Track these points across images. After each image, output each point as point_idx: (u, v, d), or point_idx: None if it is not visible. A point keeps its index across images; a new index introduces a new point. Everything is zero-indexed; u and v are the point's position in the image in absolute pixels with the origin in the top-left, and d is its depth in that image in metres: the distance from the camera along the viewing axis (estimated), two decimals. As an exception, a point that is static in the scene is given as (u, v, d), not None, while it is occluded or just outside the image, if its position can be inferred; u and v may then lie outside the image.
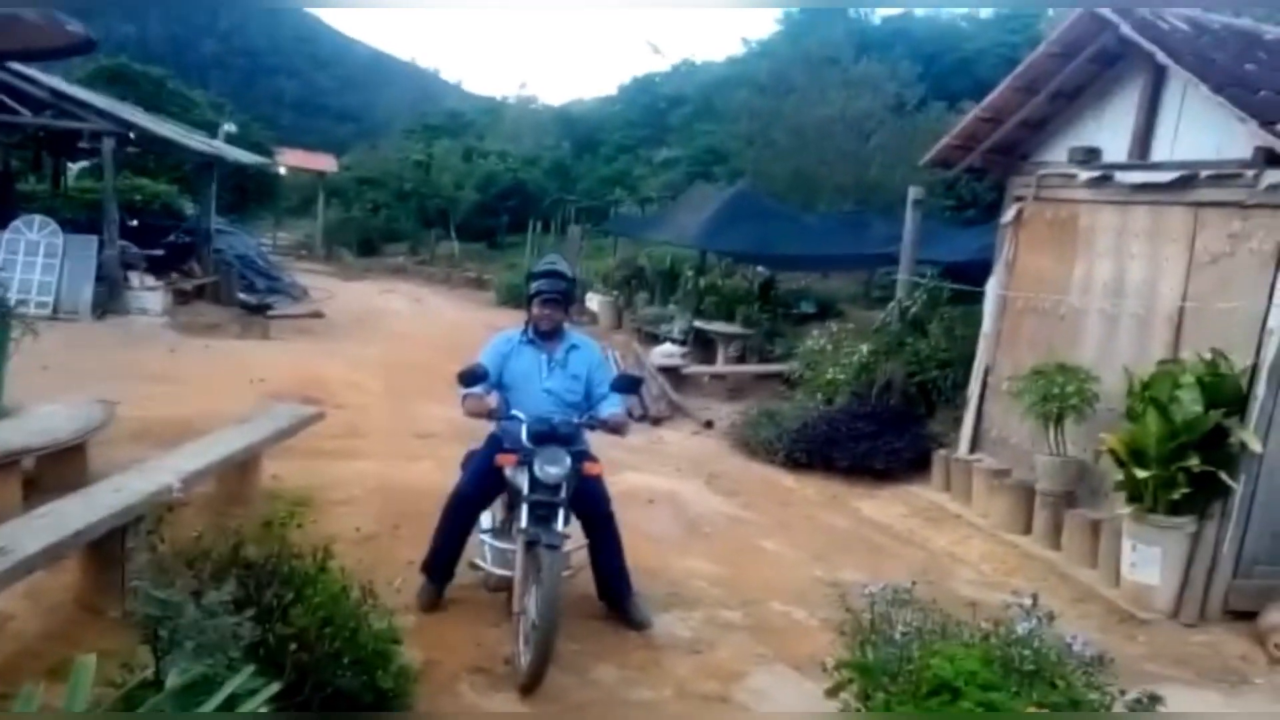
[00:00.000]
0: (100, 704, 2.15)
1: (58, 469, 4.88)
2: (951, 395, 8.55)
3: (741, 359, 13.09)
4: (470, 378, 4.27)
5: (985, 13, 28.32)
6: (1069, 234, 6.88)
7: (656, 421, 9.98)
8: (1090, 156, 6.70)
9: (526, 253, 21.40)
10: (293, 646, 2.74)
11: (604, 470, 4.53)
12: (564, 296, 4.56)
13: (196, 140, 15.03)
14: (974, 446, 7.76)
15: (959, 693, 2.10)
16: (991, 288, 7.72)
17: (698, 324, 13.71)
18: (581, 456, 4.23)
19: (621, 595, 4.60)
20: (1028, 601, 2.81)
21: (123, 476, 4.08)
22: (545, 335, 4.54)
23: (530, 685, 3.80)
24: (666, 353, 12.26)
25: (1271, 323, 5.18)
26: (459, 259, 24.27)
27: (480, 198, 25.21)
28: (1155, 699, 2.33)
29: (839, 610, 3.11)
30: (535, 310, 4.53)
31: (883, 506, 7.57)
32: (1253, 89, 5.43)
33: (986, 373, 7.71)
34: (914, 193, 9.49)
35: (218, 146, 16.30)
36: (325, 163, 28.44)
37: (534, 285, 4.55)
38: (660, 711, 3.86)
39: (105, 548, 3.56)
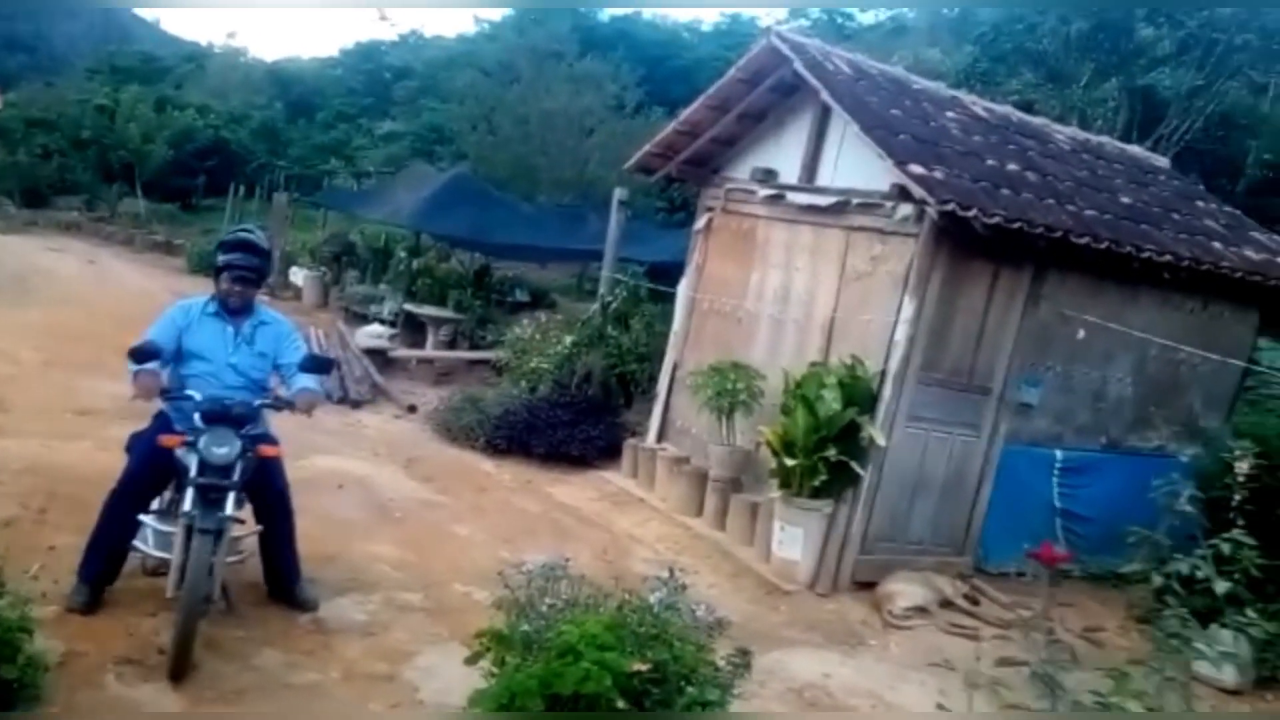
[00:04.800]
0: None
1: None
2: (648, 388, 9.11)
3: (452, 344, 13.08)
4: (141, 354, 3.99)
5: (707, 24, 30.13)
6: (749, 245, 7.58)
7: (357, 404, 9.75)
8: (768, 176, 7.42)
9: (226, 219, 19.88)
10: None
11: (291, 453, 4.44)
12: (257, 273, 4.37)
13: None
14: (661, 436, 8.34)
15: (580, 654, 2.34)
16: (682, 289, 8.33)
17: (408, 306, 13.53)
18: (258, 439, 4.11)
19: (290, 581, 4.54)
20: (665, 574, 3.14)
21: None
22: (234, 311, 4.34)
23: (177, 670, 3.70)
24: (374, 334, 11.97)
25: (897, 335, 6.04)
26: (146, 219, 22.05)
27: (174, 154, 22.96)
28: (746, 653, 2.72)
29: (501, 589, 3.29)
30: (224, 285, 4.32)
31: (574, 491, 7.93)
32: (895, 131, 6.28)
33: (675, 368, 8.30)
34: (619, 193, 9.99)
35: None
36: (-15, 96, 24.72)
37: (224, 257, 4.33)
38: (323, 693, 3.87)
39: None
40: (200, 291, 4.74)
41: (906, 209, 5.98)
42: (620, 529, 7.13)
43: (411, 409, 9.84)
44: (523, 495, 7.65)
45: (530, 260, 15.96)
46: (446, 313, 13.37)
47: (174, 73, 32.29)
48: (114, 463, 4.48)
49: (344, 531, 5.82)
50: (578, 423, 8.70)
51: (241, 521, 4.23)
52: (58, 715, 3.23)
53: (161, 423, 4.25)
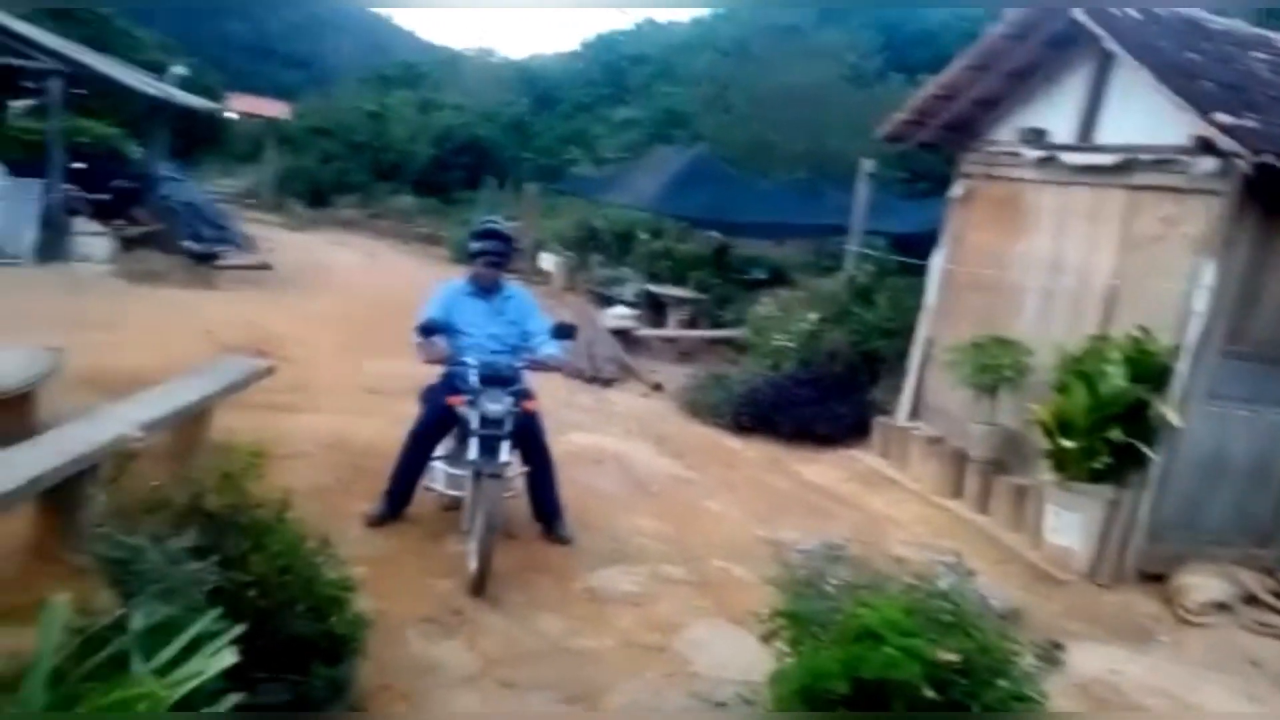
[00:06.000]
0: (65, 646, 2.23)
1: (4, 418, 4.84)
2: (895, 365, 8.79)
3: (692, 323, 13.24)
4: (427, 329, 4.88)
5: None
6: (1013, 212, 7.10)
7: (607, 383, 10.10)
8: (1037, 137, 6.90)
9: (481, 210, 21.21)
10: (252, 593, 2.83)
11: (552, 429, 5.17)
12: (502, 256, 5.20)
13: (144, 82, 14.61)
14: (913, 414, 8.03)
15: (882, 639, 2.28)
16: (936, 261, 7.95)
17: (650, 287, 13.82)
18: (521, 395, 4.76)
19: (552, 517, 5.19)
20: (951, 559, 3.01)
21: (74, 425, 4.09)
22: (486, 289, 5.17)
23: (478, 588, 4.38)
24: (618, 314, 12.35)
25: (1196, 304, 5.44)
26: (412, 213, 23.97)
27: (435, 152, 24.81)
28: (1058, 646, 2.54)
29: (778, 567, 3.29)
30: (477, 268, 5.15)
31: (823, 470, 7.81)
32: (1194, 77, 5.64)
33: (928, 344, 7.96)
34: (867, 165, 9.65)
35: (166, 89, 15.86)
36: (277, 109, 27.85)
37: (476, 245, 5.15)
38: (600, 660, 4.03)
39: (60, 496, 3.59)
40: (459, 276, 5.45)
41: (1209, 163, 5.35)
42: (874, 509, 6.94)
43: (657, 387, 10.06)
44: (771, 473, 7.63)
45: (767, 237, 15.81)
46: (687, 292, 13.55)
47: (431, 76, 34.70)
48: (401, 435, 5.13)
49: (606, 504, 6.05)
50: (824, 400, 8.55)
51: (509, 464, 4.80)
52: (369, 669, 3.56)
53: (446, 383, 5.01)
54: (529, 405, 4.80)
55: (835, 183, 14.57)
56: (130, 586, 2.30)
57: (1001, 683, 2.33)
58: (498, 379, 4.72)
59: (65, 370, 6.28)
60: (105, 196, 13.09)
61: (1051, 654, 2.52)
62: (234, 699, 1.95)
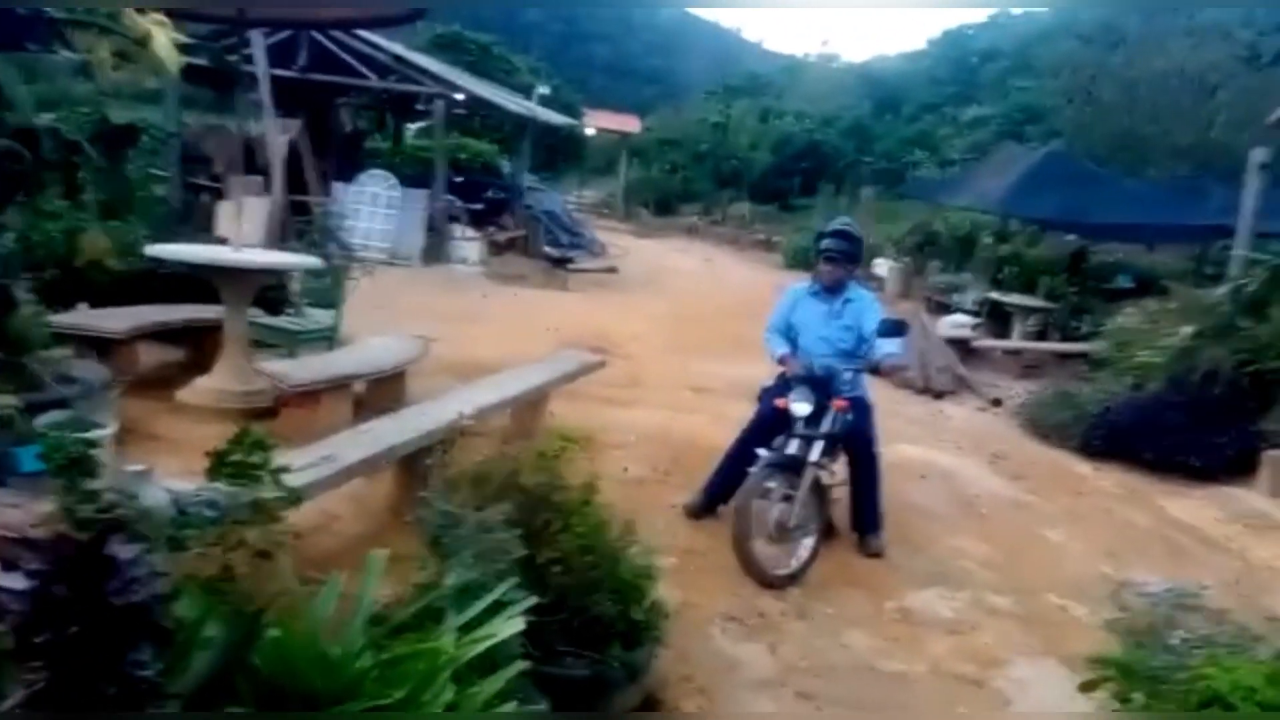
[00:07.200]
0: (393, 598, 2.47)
1: (381, 393, 5.57)
2: (1292, 389, 7.45)
3: (1041, 335, 12.19)
4: (776, 339, 5.21)
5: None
6: None
7: (939, 395, 9.56)
8: None
9: (816, 215, 21.12)
10: (556, 569, 2.98)
11: (870, 413, 5.05)
12: (845, 256, 5.11)
13: (513, 102, 16.24)
14: (1316, 449, 6.73)
15: (1231, 707, 1.87)
16: (1355, 266, 6.60)
17: (993, 295, 12.91)
18: (832, 394, 4.75)
19: (867, 526, 5.03)
20: (1350, 625, 2.44)
21: (430, 403, 4.59)
22: (828, 289, 5.13)
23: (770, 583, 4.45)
24: (956, 323, 11.64)
25: None
26: (749, 220, 24.43)
27: (774, 159, 25.15)
28: None
29: (1115, 610, 2.87)
30: (820, 266, 5.16)
31: (1193, 507, 6.78)
32: None
33: (1340, 365, 6.63)
34: (1258, 155, 8.27)
35: (531, 108, 17.51)
36: (629, 124, 29.61)
37: (822, 243, 5.16)
38: (909, 684, 3.78)
39: (412, 464, 4.04)
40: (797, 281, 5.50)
41: None
42: (1257, 558, 5.90)
43: (996, 402, 9.36)
44: (1126, 505, 6.75)
45: (1135, 241, 14.18)
46: (1035, 301, 12.49)
47: (774, 85, 35.27)
48: (726, 435, 5.21)
49: (928, 522, 5.69)
50: (1197, 427, 7.42)
51: (823, 466, 4.76)
52: (671, 659, 3.61)
53: (780, 384, 5.07)
54: (839, 403, 4.72)
55: (1222, 179, 12.74)
56: (445, 549, 2.51)
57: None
58: (811, 379, 4.76)
59: (433, 357, 7.13)
60: (479, 206, 14.72)
61: None
62: (522, 665, 2.03)
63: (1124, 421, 7.65)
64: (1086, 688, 2.40)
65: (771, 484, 4.63)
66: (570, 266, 14.99)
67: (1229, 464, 7.27)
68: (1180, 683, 2.17)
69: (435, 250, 13.48)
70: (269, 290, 6.42)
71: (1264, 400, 7.75)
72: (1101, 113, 17.23)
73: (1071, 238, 13.88)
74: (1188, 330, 8.33)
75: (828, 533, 4.94)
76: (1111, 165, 14.91)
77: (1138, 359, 8.57)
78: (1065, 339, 11.74)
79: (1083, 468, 7.53)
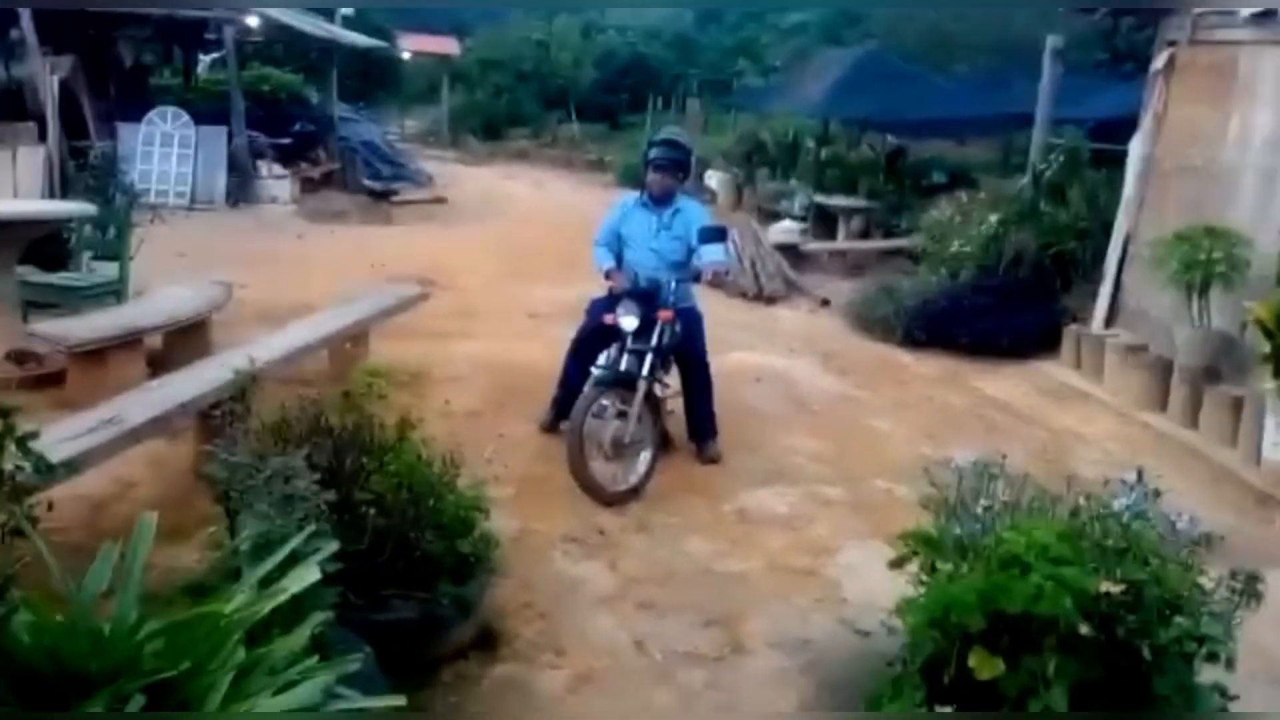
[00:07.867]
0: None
1: (181, 347, 5.15)
2: (1090, 268, 7.97)
3: (865, 234, 12.59)
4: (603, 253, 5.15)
5: None
6: (1225, 81, 6.16)
7: (771, 300, 9.77)
8: (1257, -11, 5.91)
9: (645, 132, 20.97)
10: (372, 511, 2.83)
11: (710, 349, 5.10)
12: (673, 164, 5.06)
13: (312, 24, 15.13)
14: (1109, 321, 7.28)
15: (1028, 567, 1.96)
16: (1135, 146, 7.08)
17: (818, 199, 13.19)
18: (658, 307, 4.67)
19: (703, 435, 5.08)
20: (1131, 476, 2.60)
21: (232, 353, 4.26)
22: (657, 200, 5.07)
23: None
24: (784, 229, 11.88)
25: None
26: (580, 141, 24.02)
27: (600, 75, 24.66)
28: (1254, 578, 2.11)
29: (927, 486, 2.97)
30: (649, 176, 5.09)
31: (1005, 384, 7.23)
32: None
33: (1127, 240, 7.15)
34: (1053, 41, 8.63)
35: (334, 31, 16.39)
36: (448, 46, 28.25)
37: (650, 153, 5.10)
38: (747, 582, 3.86)
39: (212, 420, 3.74)
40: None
41: None
42: (1061, 426, 6.36)
43: (825, 303, 9.65)
44: (946, 389, 7.13)
45: (947, 136, 14.71)
46: (858, 202, 12.86)
47: (595, -2, 34.39)
48: (560, 361, 5.12)
49: (763, 424, 5.82)
50: (1007, 309, 7.88)
51: (664, 383, 4.86)
52: (512, 588, 3.54)
53: (608, 298, 5.02)
54: (664, 315, 4.66)
55: (1025, 70, 13.32)
56: (236, 503, 2.32)
57: (1179, 619, 1.96)
58: (635, 294, 4.71)
59: (246, 304, 6.67)
60: (286, 141, 13.80)
61: (1251, 586, 2.10)
62: (321, 617, 1.89)
63: (940, 310, 8.02)
64: (895, 564, 2.47)
65: (605, 401, 4.60)
66: (394, 199, 14.39)
67: (1035, 342, 7.75)
68: (984, 549, 2.26)
69: (241, 191, 12.57)
70: (43, 244, 5.79)
71: (1065, 279, 8.29)
72: (911, 12, 17.70)
73: (889, 138, 14.30)
74: (994, 219, 8.76)
75: (665, 444, 4.97)
76: (923, 63, 15.35)
77: (951, 250, 8.95)
78: (887, 236, 12.16)
79: (905, 358, 7.87)
